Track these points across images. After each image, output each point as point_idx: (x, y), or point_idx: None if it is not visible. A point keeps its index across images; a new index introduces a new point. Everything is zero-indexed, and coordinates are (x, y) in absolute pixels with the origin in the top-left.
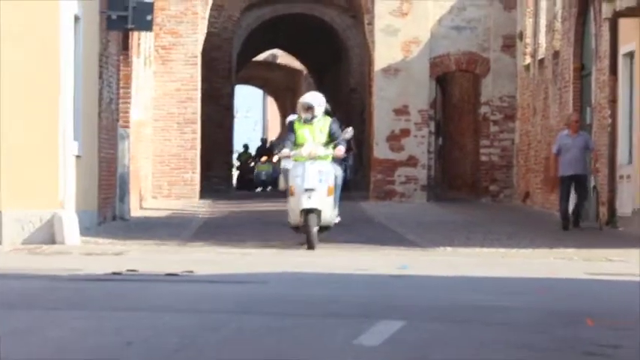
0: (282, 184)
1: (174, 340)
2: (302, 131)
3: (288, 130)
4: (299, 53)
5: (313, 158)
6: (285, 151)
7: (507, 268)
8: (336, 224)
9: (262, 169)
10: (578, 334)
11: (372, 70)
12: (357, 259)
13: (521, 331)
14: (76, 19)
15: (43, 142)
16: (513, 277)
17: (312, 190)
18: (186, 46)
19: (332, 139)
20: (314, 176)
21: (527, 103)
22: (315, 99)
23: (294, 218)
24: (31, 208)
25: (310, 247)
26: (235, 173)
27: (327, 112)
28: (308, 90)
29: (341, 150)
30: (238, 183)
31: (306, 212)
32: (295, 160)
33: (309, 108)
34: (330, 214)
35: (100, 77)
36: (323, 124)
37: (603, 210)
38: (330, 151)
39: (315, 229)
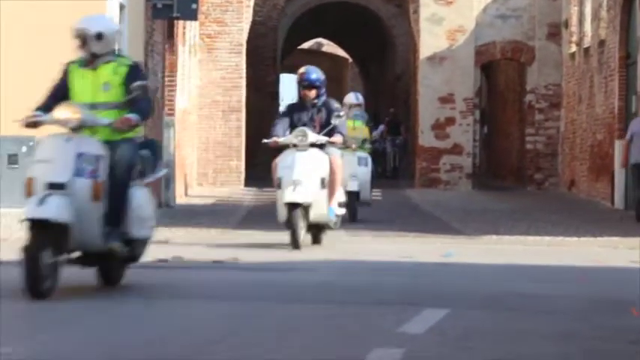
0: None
1: (220, 327)
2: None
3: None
4: (344, 42)
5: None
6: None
7: (552, 256)
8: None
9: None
10: (623, 324)
11: (417, 59)
12: (403, 246)
13: (565, 320)
14: (122, 7)
15: None
16: (558, 265)
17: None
18: (231, 35)
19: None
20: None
21: (573, 92)
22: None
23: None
24: None
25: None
26: None
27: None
28: (353, 79)
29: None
30: None
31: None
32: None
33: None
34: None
35: (146, 65)
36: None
37: None
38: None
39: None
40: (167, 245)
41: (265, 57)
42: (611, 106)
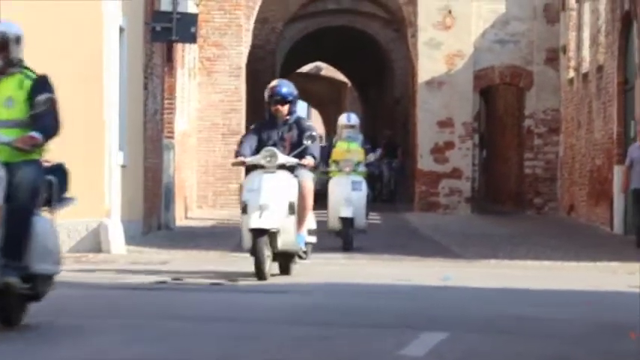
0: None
1: (216, 349)
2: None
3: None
4: (342, 65)
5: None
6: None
7: (551, 280)
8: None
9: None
10: (621, 348)
11: (416, 83)
12: (401, 269)
13: (564, 344)
14: (121, 30)
15: (89, 152)
16: (557, 289)
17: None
18: (230, 58)
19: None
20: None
21: (572, 117)
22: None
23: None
24: (77, 217)
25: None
26: None
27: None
28: (352, 103)
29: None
30: None
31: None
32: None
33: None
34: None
35: (145, 88)
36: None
37: None
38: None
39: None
40: (166, 267)
41: (264, 80)
42: (609, 131)
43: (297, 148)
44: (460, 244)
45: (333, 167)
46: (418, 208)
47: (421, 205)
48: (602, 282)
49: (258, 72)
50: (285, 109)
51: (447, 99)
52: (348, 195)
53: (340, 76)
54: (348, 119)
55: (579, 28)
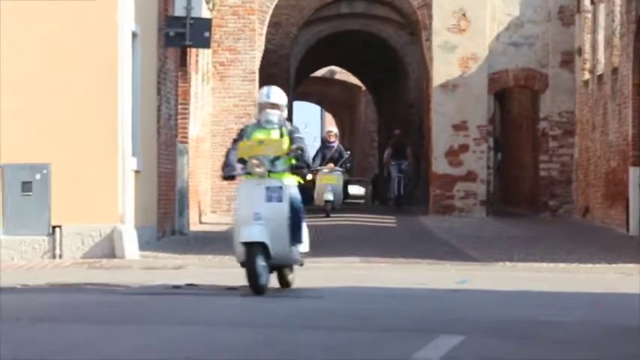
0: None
1: (231, 355)
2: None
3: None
4: (357, 69)
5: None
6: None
7: (567, 283)
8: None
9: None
10: (636, 351)
11: (430, 86)
12: (416, 272)
13: (579, 347)
14: (134, 35)
15: (103, 158)
16: (572, 292)
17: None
18: (244, 63)
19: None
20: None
21: (587, 119)
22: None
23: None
24: (91, 223)
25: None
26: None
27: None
28: (367, 106)
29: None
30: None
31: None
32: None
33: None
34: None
35: (159, 93)
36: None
37: None
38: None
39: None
40: (180, 272)
41: (278, 85)
42: (624, 133)
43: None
44: (475, 247)
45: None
46: (433, 211)
47: (436, 208)
48: (617, 284)
49: (271, 77)
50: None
51: (461, 102)
52: (256, 209)
53: (354, 80)
54: (267, 95)
55: (594, 30)
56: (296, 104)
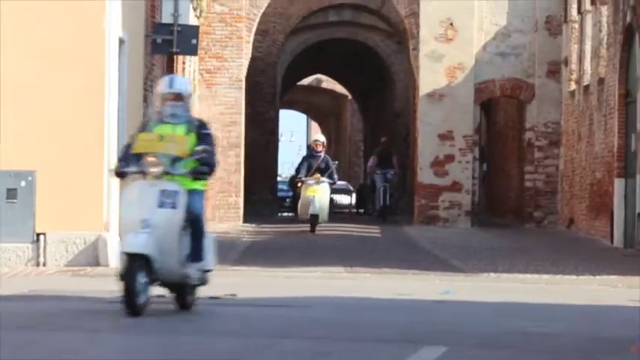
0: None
1: None
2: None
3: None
4: (343, 78)
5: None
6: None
7: (551, 294)
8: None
9: (313, 192)
10: None
11: (417, 95)
12: (401, 283)
13: (567, 358)
14: (121, 42)
15: (88, 165)
16: (557, 303)
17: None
18: (230, 70)
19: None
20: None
21: (572, 130)
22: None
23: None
24: (75, 230)
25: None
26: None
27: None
28: (353, 115)
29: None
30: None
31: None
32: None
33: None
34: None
35: (145, 100)
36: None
37: None
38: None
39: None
40: None
41: (264, 93)
42: (610, 144)
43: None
44: (460, 257)
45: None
46: (418, 221)
47: (421, 219)
48: (602, 296)
49: (258, 84)
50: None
51: (447, 112)
52: (145, 215)
53: (341, 89)
54: (169, 84)
55: (581, 41)
56: (282, 112)
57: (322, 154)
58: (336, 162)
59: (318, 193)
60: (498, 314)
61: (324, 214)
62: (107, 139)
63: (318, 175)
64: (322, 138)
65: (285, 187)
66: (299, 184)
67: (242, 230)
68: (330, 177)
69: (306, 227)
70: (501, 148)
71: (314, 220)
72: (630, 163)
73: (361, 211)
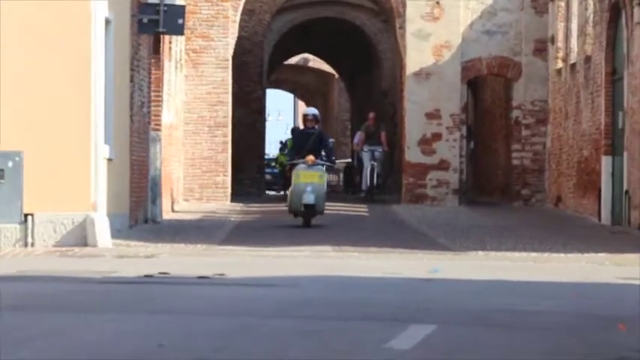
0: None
1: (205, 343)
2: None
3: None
4: (330, 57)
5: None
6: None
7: (539, 272)
8: None
9: (308, 179)
10: (611, 339)
11: (404, 74)
12: (389, 262)
13: (553, 336)
14: (107, 22)
15: (75, 146)
16: (545, 281)
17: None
18: (217, 50)
19: None
20: None
21: (559, 107)
22: None
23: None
24: (63, 211)
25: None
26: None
27: None
28: (340, 94)
29: None
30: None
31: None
32: None
33: None
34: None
35: (132, 81)
36: None
37: (635, 214)
38: None
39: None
40: (153, 260)
41: (251, 72)
42: (597, 122)
43: None
44: (448, 236)
45: None
46: (406, 200)
47: (409, 197)
48: (590, 273)
49: (245, 64)
50: None
51: (434, 90)
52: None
53: (327, 68)
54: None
55: (567, 19)
56: (269, 92)
57: (316, 130)
58: (332, 140)
59: (314, 179)
60: (487, 292)
61: (320, 204)
62: (94, 119)
63: (312, 157)
64: (314, 110)
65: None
66: (288, 170)
67: (230, 209)
68: (328, 157)
69: (297, 222)
70: (488, 127)
71: (309, 211)
72: (617, 140)
73: (349, 190)
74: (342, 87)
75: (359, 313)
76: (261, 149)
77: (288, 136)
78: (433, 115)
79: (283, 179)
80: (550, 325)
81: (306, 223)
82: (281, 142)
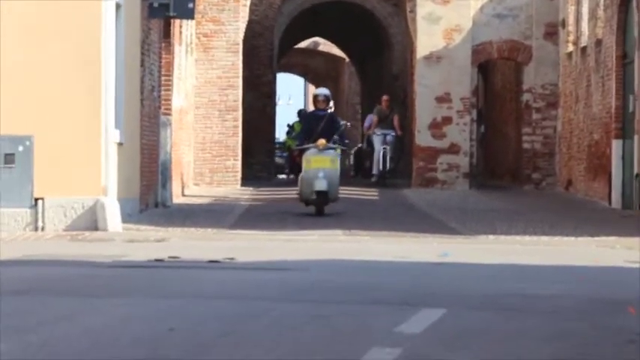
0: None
1: (216, 327)
2: None
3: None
4: (340, 41)
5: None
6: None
7: (549, 256)
8: None
9: (319, 164)
10: (621, 323)
11: (414, 58)
12: (399, 246)
13: (562, 319)
14: (118, 6)
15: (86, 130)
16: (555, 265)
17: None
18: (227, 34)
19: None
20: None
21: (570, 91)
22: None
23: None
24: (73, 195)
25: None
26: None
27: None
28: (351, 78)
29: None
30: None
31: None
32: None
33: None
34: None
35: (142, 65)
36: None
37: None
38: None
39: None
40: (163, 244)
41: (262, 56)
42: (608, 105)
43: None
44: (458, 220)
45: None
46: (416, 183)
47: (419, 181)
48: (600, 257)
49: (255, 48)
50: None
51: (445, 74)
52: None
53: (338, 52)
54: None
55: (578, 2)
56: (279, 76)
57: (328, 112)
58: (346, 122)
59: (325, 165)
60: (497, 276)
61: (334, 190)
62: (104, 103)
63: (324, 141)
64: (325, 91)
65: (282, 152)
66: (298, 156)
67: (240, 193)
68: (341, 140)
69: (309, 211)
70: (499, 110)
71: (322, 198)
72: (628, 124)
73: (359, 175)
74: (353, 71)
75: (369, 297)
76: (271, 133)
77: (296, 119)
78: (443, 99)
79: (290, 163)
80: (560, 308)
81: (318, 212)
82: (288, 125)
